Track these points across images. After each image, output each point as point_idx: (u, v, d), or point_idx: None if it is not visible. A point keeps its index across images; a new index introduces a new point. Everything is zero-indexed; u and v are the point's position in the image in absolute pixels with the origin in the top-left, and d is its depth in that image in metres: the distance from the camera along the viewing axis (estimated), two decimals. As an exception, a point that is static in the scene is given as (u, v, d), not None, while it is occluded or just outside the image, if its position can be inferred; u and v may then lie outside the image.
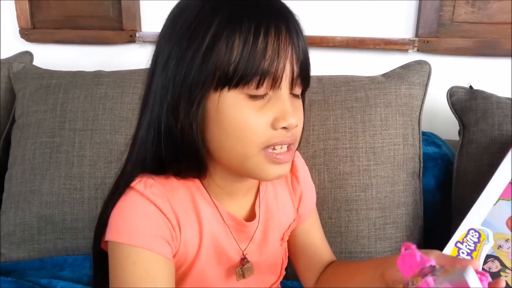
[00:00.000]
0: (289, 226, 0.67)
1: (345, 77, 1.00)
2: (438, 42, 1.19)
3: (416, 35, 1.21)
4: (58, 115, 1.03)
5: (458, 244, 0.82)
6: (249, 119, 0.49)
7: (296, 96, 0.54)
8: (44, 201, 0.98)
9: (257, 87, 0.48)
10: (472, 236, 0.82)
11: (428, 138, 1.08)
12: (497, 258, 0.80)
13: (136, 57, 1.38)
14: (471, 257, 0.81)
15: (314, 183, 0.90)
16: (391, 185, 0.91)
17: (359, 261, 0.69)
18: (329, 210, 0.90)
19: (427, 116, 1.19)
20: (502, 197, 0.81)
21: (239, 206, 0.61)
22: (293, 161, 0.65)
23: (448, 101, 1.01)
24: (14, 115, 1.11)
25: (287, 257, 0.68)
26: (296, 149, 0.61)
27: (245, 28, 0.46)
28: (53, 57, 1.42)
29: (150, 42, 1.35)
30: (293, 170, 0.67)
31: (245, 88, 0.48)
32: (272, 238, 0.63)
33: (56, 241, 0.99)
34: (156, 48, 0.54)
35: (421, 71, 0.98)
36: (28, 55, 1.21)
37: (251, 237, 0.61)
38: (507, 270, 0.79)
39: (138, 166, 0.54)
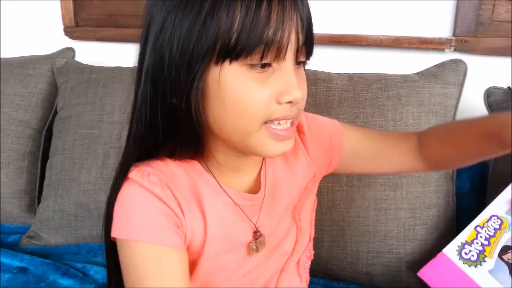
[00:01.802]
0: (306, 187, 0.63)
1: (377, 75, 0.99)
2: (476, 41, 1.16)
3: (454, 34, 1.18)
4: (97, 108, 1.08)
5: (478, 228, 0.80)
6: (252, 93, 0.46)
7: (299, 65, 0.51)
8: (81, 190, 1.03)
9: (261, 58, 0.45)
10: (494, 222, 0.80)
11: (464, 140, 1.06)
12: None
13: (172, 54, 1.41)
14: (489, 242, 0.80)
15: (342, 181, 0.90)
16: (422, 185, 0.89)
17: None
18: (357, 208, 0.89)
19: (464, 118, 1.16)
20: None
21: (245, 180, 0.59)
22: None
23: (485, 102, 0.98)
24: (56, 108, 1.17)
25: (313, 226, 0.65)
26: None
27: None
28: (95, 54, 1.48)
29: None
30: (300, 128, 0.63)
31: (247, 60, 0.45)
32: (283, 206, 0.61)
33: (91, 228, 1.04)
34: (145, 20, 0.50)
35: (456, 70, 0.96)
36: (71, 51, 1.27)
37: (260, 209, 0.58)
38: None
39: (135, 150, 0.52)
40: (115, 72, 1.13)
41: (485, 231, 0.81)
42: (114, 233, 0.50)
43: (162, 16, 0.47)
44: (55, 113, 1.18)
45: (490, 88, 0.99)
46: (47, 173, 1.10)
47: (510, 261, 0.77)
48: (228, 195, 0.55)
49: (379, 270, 0.89)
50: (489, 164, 0.94)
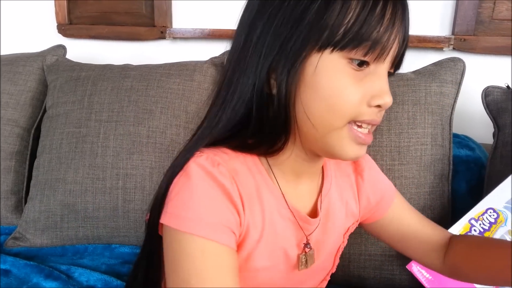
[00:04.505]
0: (348, 229, 0.63)
1: (372, 73, 0.96)
2: (476, 40, 1.13)
3: (453, 33, 1.15)
4: (85, 106, 1.05)
5: (472, 221, 0.78)
6: (346, 89, 0.46)
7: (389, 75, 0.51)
8: (68, 190, 1.00)
9: (364, 54, 0.45)
10: (490, 215, 0.78)
11: (462, 141, 1.03)
12: None
13: (166, 52, 1.39)
14: None
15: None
16: (416, 186, 0.86)
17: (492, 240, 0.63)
18: (349, 210, 0.86)
19: (463, 118, 1.13)
20: None
21: (302, 198, 0.56)
22: (357, 161, 0.63)
23: (483, 102, 0.95)
24: (46, 106, 1.15)
25: (336, 264, 0.65)
26: None
27: None
28: (88, 51, 1.46)
29: (180, 38, 1.36)
30: (357, 169, 0.63)
31: (351, 53, 0.45)
32: (329, 239, 0.59)
33: (78, 229, 1.01)
34: (249, 6, 0.50)
35: (454, 68, 0.93)
36: (62, 48, 1.25)
37: (310, 234, 0.56)
38: None
39: (211, 134, 0.50)
40: (105, 69, 1.10)
41: (480, 224, 0.78)
42: (170, 222, 0.46)
43: (270, 3, 0.47)
44: (45, 111, 1.15)
45: (488, 87, 0.96)
46: (34, 173, 1.07)
47: None
48: (289, 208, 0.53)
49: (371, 273, 0.86)
50: (486, 164, 0.91)
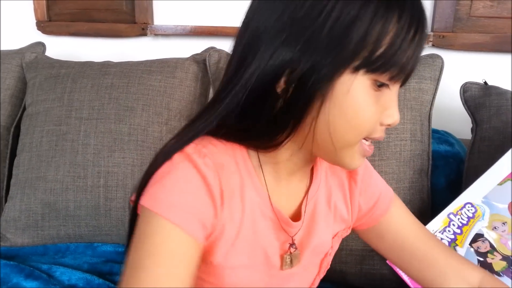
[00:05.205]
0: (336, 234, 0.61)
1: (352, 70, 0.97)
2: (454, 37, 1.15)
3: (432, 30, 1.17)
4: (65, 104, 1.04)
5: (451, 216, 0.80)
6: (370, 110, 0.46)
7: None
8: (48, 188, 0.99)
9: (391, 78, 0.45)
10: (468, 210, 0.79)
11: (441, 137, 1.05)
12: (488, 239, 0.77)
13: (147, 49, 1.39)
14: (461, 231, 0.79)
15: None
16: (396, 181, 0.88)
17: None
18: (330, 205, 0.87)
19: (442, 114, 1.15)
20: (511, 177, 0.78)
21: (289, 198, 0.56)
22: None
23: (461, 97, 0.97)
24: (25, 104, 1.13)
25: (323, 269, 0.63)
26: None
27: (403, 15, 0.44)
28: (68, 49, 1.44)
29: (161, 35, 1.36)
30: (351, 173, 0.62)
31: (381, 76, 0.45)
32: (314, 241, 0.58)
33: (59, 228, 1.00)
34: (264, 5, 0.47)
35: (432, 65, 0.95)
36: (41, 45, 1.23)
37: (294, 235, 0.56)
38: (495, 253, 0.76)
39: (207, 126, 0.49)
40: (84, 66, 1.09)
41: (458, 219, 0.80)
42: (147, 203, 0.46)
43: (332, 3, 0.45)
44: (24, 109, 1.13)
45: (466, 83, 0.98)
46: (14, 172, 1.06)
47: (479, 250, 0.76)
48: (273, 208, 0.53)
49: (353, 268, 0.87)
50: (465, 159, 0.93)
